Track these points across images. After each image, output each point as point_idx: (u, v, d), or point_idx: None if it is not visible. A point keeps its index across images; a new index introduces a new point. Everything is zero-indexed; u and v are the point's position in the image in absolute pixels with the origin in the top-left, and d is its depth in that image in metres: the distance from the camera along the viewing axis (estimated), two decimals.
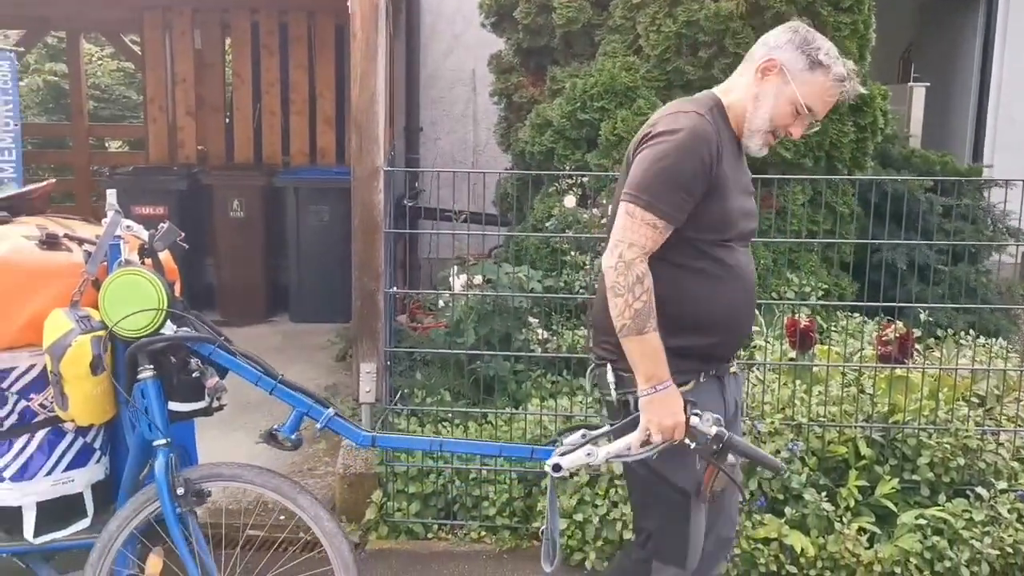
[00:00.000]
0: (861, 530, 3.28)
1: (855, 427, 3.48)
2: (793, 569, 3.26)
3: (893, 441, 3.47)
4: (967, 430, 3.48)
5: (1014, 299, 5.94)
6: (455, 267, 4.59)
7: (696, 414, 1.98)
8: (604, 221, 4.54)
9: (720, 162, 2.11)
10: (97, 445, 2.71)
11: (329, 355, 5.71)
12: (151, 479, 2.52)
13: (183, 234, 2.67)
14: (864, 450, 3.40)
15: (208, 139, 7.51)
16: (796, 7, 4.78)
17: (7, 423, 2.58)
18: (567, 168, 5.02)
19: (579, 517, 3.43)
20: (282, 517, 3.46)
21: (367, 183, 3.98)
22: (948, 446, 3.44)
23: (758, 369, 3.81)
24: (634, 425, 2.02)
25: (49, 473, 2.62)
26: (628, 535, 3.36)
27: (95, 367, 2.44)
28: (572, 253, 4.48)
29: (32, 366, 2.58)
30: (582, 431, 2.15)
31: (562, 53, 5.55)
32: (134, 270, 2.48)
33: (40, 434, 2.61)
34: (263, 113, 7.36)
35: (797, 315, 3.79)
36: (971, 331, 4.08)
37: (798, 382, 3.63)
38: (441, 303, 4.80)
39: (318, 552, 2.45)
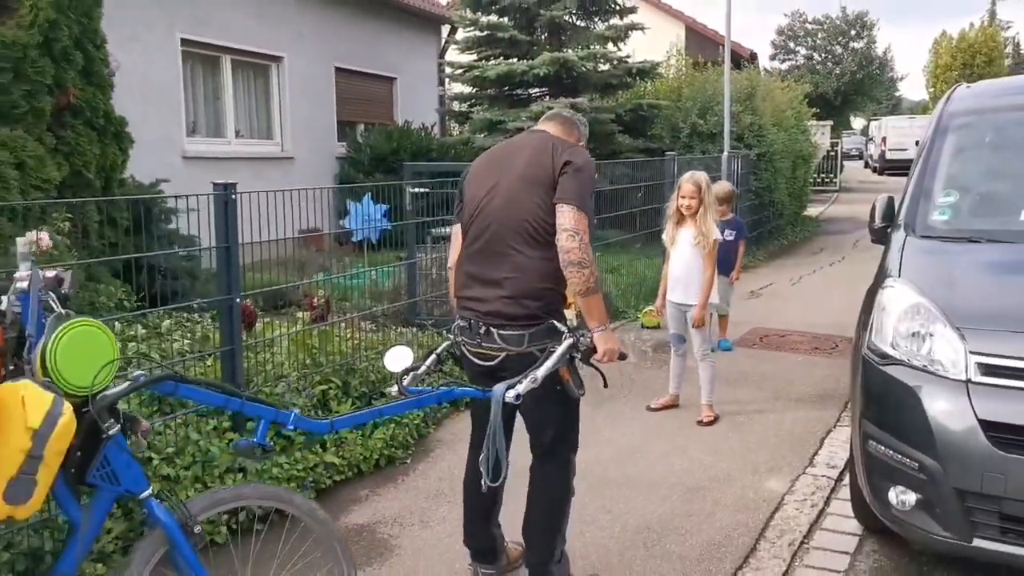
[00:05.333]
0: None
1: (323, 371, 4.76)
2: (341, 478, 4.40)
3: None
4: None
5: None
6: None
7: (583, 336, 2.95)
8: None
9: None
10: None
11: None
12: (152, 527, 2.32)
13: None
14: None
15: None
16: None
17: None
18: None
19: None
20: None
21: None
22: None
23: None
24: (548, 355, 2.85)
25: None
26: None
27: None
28: None
29: None
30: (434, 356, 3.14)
31: None
32: (82, 320, 2.19)
33: None
34: None
35: (246, 301, 4.68)
36: None
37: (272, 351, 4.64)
38: None
39: (313, 537, 2.67)
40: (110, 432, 2.22)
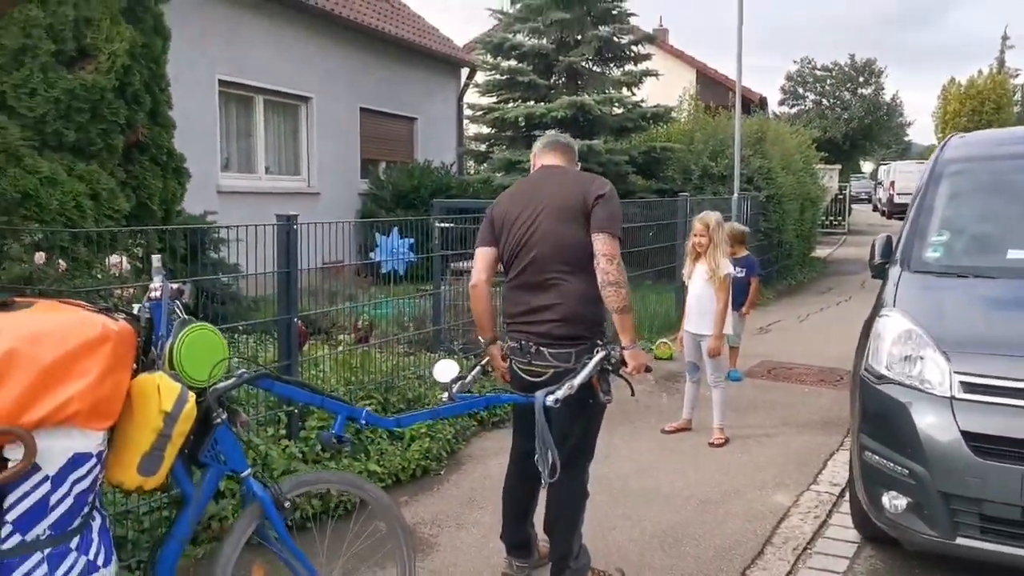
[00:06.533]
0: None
1: (366, 388, 5.18)
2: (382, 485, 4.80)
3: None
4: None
5: None
6: None
7: (614, 350, 3.39)
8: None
9: None
10: None
11: None
12: (249, 502, 2.72)
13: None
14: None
15: None
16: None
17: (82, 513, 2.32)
18: None
19: None
20: None
21: None
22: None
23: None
24: (583, 367, 3.25)
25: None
26: None
27: None
28: None
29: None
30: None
31: None
32: (201, 325, 2.62)
33: (98, 518, 2.41)
34: None
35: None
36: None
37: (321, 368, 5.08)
38: None
39: (380, 521, 3.08)
40: (220, 419, 2.65)
